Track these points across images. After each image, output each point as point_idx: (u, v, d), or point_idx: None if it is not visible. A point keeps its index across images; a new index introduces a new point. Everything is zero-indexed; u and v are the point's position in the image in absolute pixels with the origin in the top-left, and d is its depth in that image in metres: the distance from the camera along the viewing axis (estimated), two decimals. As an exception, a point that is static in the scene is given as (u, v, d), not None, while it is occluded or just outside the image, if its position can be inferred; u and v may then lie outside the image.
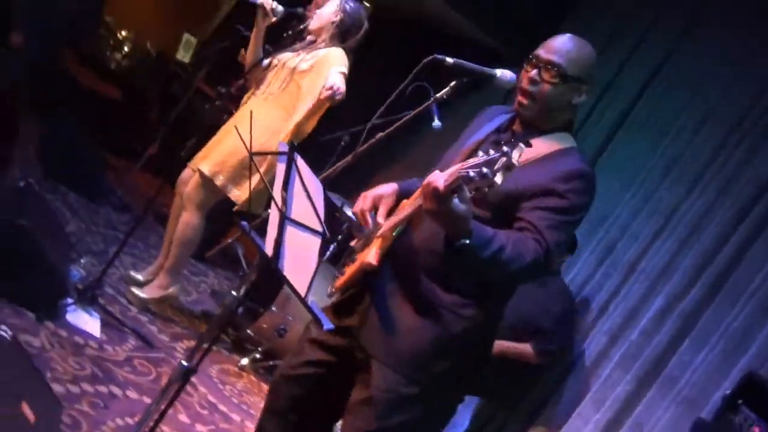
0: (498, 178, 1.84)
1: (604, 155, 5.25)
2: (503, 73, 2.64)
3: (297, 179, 2.10)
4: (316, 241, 2.05)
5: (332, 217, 4.98)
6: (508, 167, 1.84)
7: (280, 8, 4.20)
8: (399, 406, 2.30)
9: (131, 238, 4.13)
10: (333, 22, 4.23)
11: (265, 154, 2.33)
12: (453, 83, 2.67)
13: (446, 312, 2.30)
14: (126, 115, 6.99)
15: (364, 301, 2.42)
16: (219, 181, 4.13)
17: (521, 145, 1.86)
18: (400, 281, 2.36)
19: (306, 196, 2.05)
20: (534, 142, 2.28)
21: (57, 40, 5.51)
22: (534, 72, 2.35)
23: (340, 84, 3.95)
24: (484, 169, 1.84)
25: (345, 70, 4.11)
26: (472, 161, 1.89)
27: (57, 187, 5.08)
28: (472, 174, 1.86)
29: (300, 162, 2.10)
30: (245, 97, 4.38)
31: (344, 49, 4.20)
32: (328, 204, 5.05)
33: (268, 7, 4.17)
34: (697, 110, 4.74)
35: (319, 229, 2.01)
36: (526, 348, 4.27)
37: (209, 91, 5.75)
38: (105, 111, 6.78)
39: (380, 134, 2.78)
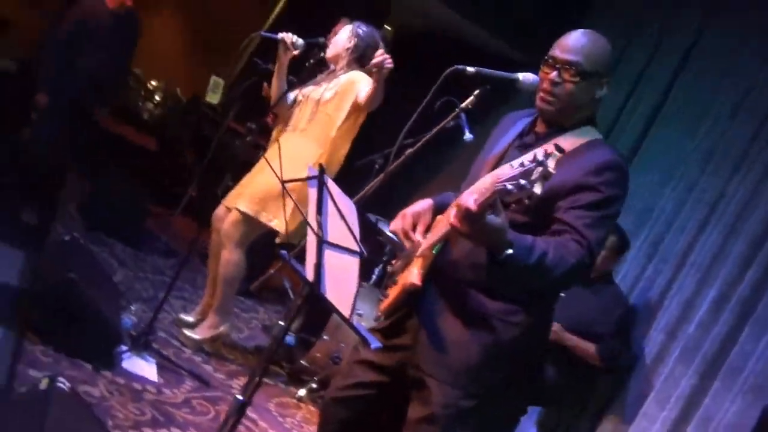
0: (537, 189, 1.83)
1: (640, 150, 5.19)
2: (525, 77, 2.63)
3: (329, 202, 2.12)
4: (354, 261, 2.06)
5: (375, 239, 5.01)
6: (545, 176, 1.84)
7: (300, 41, 4.25)
8: (461, 421, 2.29)
9: (178, 281, 4.20)
10: (348, 49, 4.29)
11: (296, 180, 2.35)
12: (477, 91, 2.68)
13: (495, 320, 2.29)
14: (162, 162, 7.13)
15: (412, 321, 2.42)
16: (263, 217, 4.16)
17: (555, 152, 1.85)
18: (446, 297, 2.35)
19: (340, 217, 2.07)
20: (559, 139, 2.28)
21: (87, 97, 5.62)
22: (554, 73, 2.35)
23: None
24: (522, 181, 1.84)
25: (368, 83, 4.15)
26: (508, 173, 1.88)
27: (102, 238, 5.18)
28: (510, 187, 1.85)
29: (330, 184, 2.12)
30: (275, 134, 4.42)
31: (365, 72, 4.24)
32: (369, 226, 5.08)
33: (288, 41, 4.22)
34: (730, 95, 4.68)
35: (357, 249, 2.02)
36: (589, 347, 4.22)
37: (240, 129, 5.83)
38: (142, 160, 6.94)
39: (409, 150, 2.78)
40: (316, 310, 4.57)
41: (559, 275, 2.13)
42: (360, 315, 4.22)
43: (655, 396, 4.20)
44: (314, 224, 2.15)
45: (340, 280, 2.12)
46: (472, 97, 2.71)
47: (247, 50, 8.33)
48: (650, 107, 5.23)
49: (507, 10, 6.53)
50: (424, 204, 2.55)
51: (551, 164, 1.84)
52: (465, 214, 1.95)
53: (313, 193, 2.17)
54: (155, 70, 9.25)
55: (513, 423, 2.54)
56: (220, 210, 4.42)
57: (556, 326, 4.13)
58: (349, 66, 4.30)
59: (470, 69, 2.62)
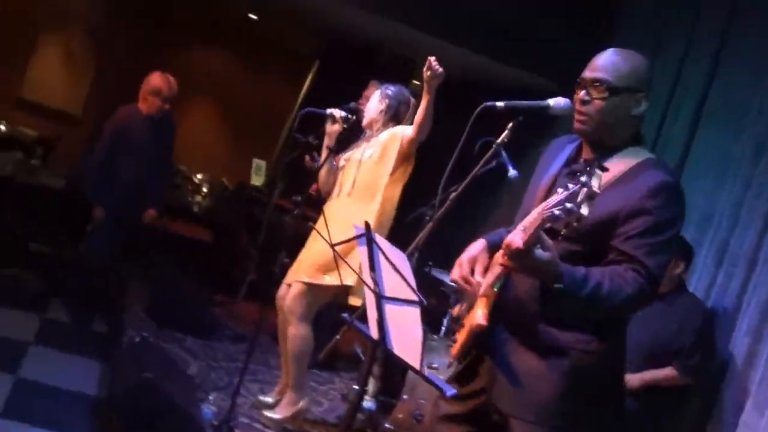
0: (584, 210, 1.83)
1: (688, 158, 5.11)
2: (557, 102, 2.61)
3: (381, 257, 2.12)
4: (415, 312, 2.05)
5: (439, 291, 4.98)
6: (591, 196, 1.83)
7: (346, 115, 4.40)
8: None
9: (252, 364, 4.22)
10: (381, 111, 4.37)
11: (345, 242, 2.36)
12: (510, 124, 2.66)
13: (569, 350, 2.25)
14: (219, 250, 7.24)
15: (485, 363, 2.39)
16: (327, 280, 4.18)
17: (598, 171, 1.85)
18: (516, 333, 2.33)
19: (393, 270, 2.07)
20: (608, 163, 2.26)
21: (134, 206, 5.75)
22: (583, 92, 2.36)
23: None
24: (568, 205, 1.83)
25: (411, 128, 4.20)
26: (553, 200, 1.89)
27: (172, 334, 5.25)
28: (557, 212, 1.85)
29: (378, 239, 2.13)
30: (325, 207, 4.46)
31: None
32: (431, 278, 5.06)
33: (337, 116, 4.37)
34: (768, 87, 4.60)
35: (415, 298, 2.01)
36: (667, 372, 4.13)
37: (287, 205, 5.91)
38: (199, 252, 7.05)
39: (453, 194, 2.78)
40: (391, 371, 4.54)
41: (617, 305, 2.13)
42: (435, 368, 4.17)
43: (753, 402, 4.04)
44: (369, 281, 2.15)
45: (405, 332, 2.11)
46: (506, 131, 2.70)
47: (285, 128, 8.53)
48: (690, 114, 5.16)
49: (533, 45, 6.59)
50: (477, 246, 2.54)
51: (595, 184, 1.83)
52: (513, 252, 1.98)
53: (363, 251, 2.18)
54: (199, 163, 9.49)
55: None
56: (282, 289, 4.46)
57: (627, 377, 4.06)
58: (386, 126, 4.37)
59: (500, 103, 2.61)
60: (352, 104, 4.49)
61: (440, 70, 3.85)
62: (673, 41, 5.48)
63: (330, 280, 4.16)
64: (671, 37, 5.52)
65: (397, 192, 4.32)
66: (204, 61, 10.50)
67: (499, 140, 2.74)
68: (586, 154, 2.42)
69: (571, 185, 1.86)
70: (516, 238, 1.97)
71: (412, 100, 4.41)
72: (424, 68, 3.87)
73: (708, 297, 4.55)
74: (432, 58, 3.86)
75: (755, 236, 4.35)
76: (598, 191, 1.83)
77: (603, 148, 2.36)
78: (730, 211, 4.57)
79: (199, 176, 8.96)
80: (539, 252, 1.97)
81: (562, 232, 2.02)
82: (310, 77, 10.45)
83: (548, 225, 1.93)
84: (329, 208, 4.35)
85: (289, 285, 4.36)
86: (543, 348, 2.27)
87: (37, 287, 5.58)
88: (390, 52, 8.30)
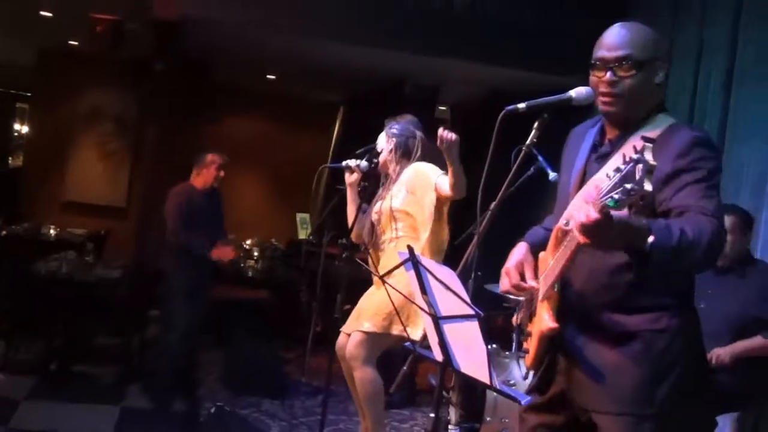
0: (647, 186, 1.75)
1: (728, 123, 5.00)
2: (578, 92, 2.54)
3: (429, 278, 2.09)
4: (474, 325, 2.01)
5: (502, 307, 4.91)
6: (650, 171, 1.75)
7: (363, 163, 4.37)
8: None
9: (332, 415, 4.20)
10: (390, 151, 4.33)
11: (392, 270, 2.34)
12: (536, 124, 2.61)
13: (642, 333, 2.19)
14: (281, 309, 7.28)
15: (560, 365, 2.34)
16: (394, 330, 4.13)
17: (647, 144, 1.79)
18: (585, 328, 2.27)
19: (444, 288, 2.04)
20: (635, 137, 2.22)
21: (208, 276, 5.87)
22: (608, 74, 2.28)
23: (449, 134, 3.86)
24: (627, 185, 1.75)
25: (440, 171, 4.15)
26: (607, 185, 1.81)
27: (248, 400, 5.26)
28: (617, 197, 1.76)
29: (424, 260, 2.11)
30: (370, 258, 4.44)
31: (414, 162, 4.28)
32: (492, 296, 4.99)
33: (353, 165, 4.36)
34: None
35: (471, 312, 1.98)
36: (758, 341, 3.99)
37: (338, 252, 5.93)
38: (263, 314, 7.10)
39: (493, 204, 2.73)
40: (469, 395, 4.47)
41: (704, 251, 1.99)
42: (513, 384, 4.10)
43: None
44: (424, 305, 2.13)
45: (469, 348, 2.07)
46: (533, 132, 2.64)
47: (321, 182, 8.60)
48: (721, 76, 5.07)
49: (549, 45, 6.56)
50: (520, 250, 2.49)
51: (649, 156, 1.76)
52: (592, 226, 1.83)
53: (411, 276, 2.16)
54: (246, 229, 9.59)
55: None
56: (341, 339, 4.40)
57: (718, 352, 3.95)
58: (400, 164, 4.33)
59: (521, 105, 2.54)
60: (372, 146, 4.47)
61: (453, 137, 3.82)
62: (690, 5, 5.41)
63: (396, 329, 4.11)
64: (687, 3, 5.46)
65: (443, 226, 4.27)
66: (234, 130, 10.68)
67: (528, 142, 2.67)
68: (611, 134, 2.36)
69: (619, 166, 1.79)
70: (586, 211, 1.83)
71: (419, 133, 4.39)
72: (437, 142, 3.86)
73: (781, 261, 4.42)
74: (440, 130, 3.84)
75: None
76: (655, 163, 1.76)
77: (628, 124, 2.31)
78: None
79: (248, 242, 9.05)
80: (618, 214, 1.84)
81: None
82: (338, 124, 10.55)
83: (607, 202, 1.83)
84: (381, 263, 4.31)
85: (348, 334, 4.32)
86: (613, 337, 2.21)
87: (110, 379, 5.65)
88: (412, 83, 8.35)
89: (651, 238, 1.91)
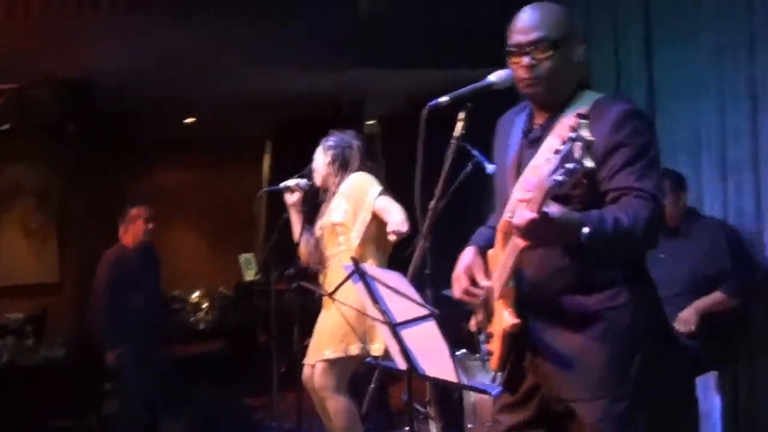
0: (588, 162, 1.81)
1: (655, 85, 5.17)
2: (498, 75, 2.57)
3: (378, 286, 2.13)
4: (432, 326, 2.05)
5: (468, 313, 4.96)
6: (588, 146, 1.81)
7: (303, 181, 4.42)
8: (624, 426, 2.22)
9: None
10: (328, 164, 4.39)
11: (339, 287, 2.37)
12: (460, 115, 2.65)
13: (602, 312, 2.24)
14: (242, 356, 7.24)
15: (527, 360, 2.38)
16: (353, 351, 4.16)
17: (582, 121, 1.84)
18: (546, 319, 2.31)
19: (395, 293, 2.07)
20: (564, 118, 2.27)
21: (146, 337, 5.80)
22: (526, 59, 2.33)
23: (399, 220, 3.99)
24: (569, 165, 1.81)
25: (378, 186, 4.20)
26: (547, 168, 1.86)
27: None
28: (560, 178, 1.82)
29: (369, 269, 2.14)
30: (321, 278, 4.46)
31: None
32: (454, 304, 5.04)
33: (292, 184, 4.41)
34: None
35: (426, 311, 2.02)
36: (716, 297, 4.13)
37: (287, 285, 5.93)
38: (222, 365, 7.05)
39: (432, 203, 2.76)
40: (447, 406, 4.50)
41: (642, 234, 2.09)
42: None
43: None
44: (378, 315, 2.16)
45: (430, 350, 2.11)
46: (460, 123, 2.68)
47: (261, 213, 8.59)
48: (640, 45, 5.23)
49: (467, 41, 6.66)
50: (467, 254, 2.52)
51: (586, 133, 1.82)
52: (529, 226, 1.92)
53: (360, 287, 2.19)
54: (190, 282, 9.51)
55: (689, 403, 2.44)
56: (306, 372, 4.41)
57: (683, 316, 4.08)
58: (338, 176, 4.38)
59: (443, 99, 2.58)
60: (308, 168, 4.51)
61: (405, 230, 3.94)
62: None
63: (355, 349, 4.15)
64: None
65: (383, 234, 4.31)
66: (161, 181, 10.60)
67: (456, 135, 2.70)
68: (539, 118, 2.41)
69: (556, 147, 1.85)
70: (524, 213, 1.91)
71: (355, 142, 4.44)
72: (388, 237, 3.97)
73: (728, 214, 4.55)
74: (390, 233, 3.96)
75: (749, 138, 4.38)
76: (592, 138, 1.82)
77: (554, 106, 2.37)
78: (715, 122, 4.60)
79: (195, 295, 9.00)
80: (552, 210, 1.92)
81: (574, 199, 2.00)
82: (267, 158, 10.55)
83: (553, 195, 1.89)
84: (329, 282, 4.33)
85: (313, 365, 4.33)
86: (576, 321, 2.26)
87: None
88: (336, 102, 8.41)
89: (585, 230, 1.99)
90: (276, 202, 4.60)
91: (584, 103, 2.31)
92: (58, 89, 6.91)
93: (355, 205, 4.23)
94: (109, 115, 8.34)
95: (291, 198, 4.44)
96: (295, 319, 4.47)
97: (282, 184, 4.44)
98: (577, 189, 1.90)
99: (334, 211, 4.31)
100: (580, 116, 1.85)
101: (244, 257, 7.58)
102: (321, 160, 4.43)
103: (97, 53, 6.42)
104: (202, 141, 10.61)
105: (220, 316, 8.15)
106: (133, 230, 5.78)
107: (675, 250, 4.15)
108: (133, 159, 10.19)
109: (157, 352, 5.92)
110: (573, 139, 1.80)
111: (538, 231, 1.93)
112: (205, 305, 8.40)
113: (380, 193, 4.20)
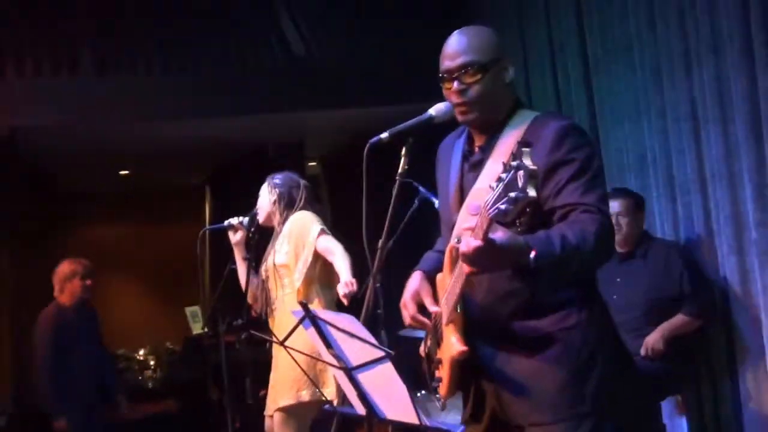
0: (531, 192, 1.81)
1: (596, 107, 5.29)
2: (438, 109, 2.59)
3: (330, 330, 2.11)
4: (389, 367, 2.04)
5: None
6: (532, 175, 1.82)
7: (245, 219, 4.38)
8: None
9: None
10: (274, 202, 4.37)
11: (290, 333, 2.34)
12: (403, 150, 2.66)
13: (556, 333, 2.26)
14: (192, 414, 7.11)
15: (485, 387, 2.38)
16: (305, 397, 4.13)
17: (523, 149, 1.85)
18: (498, 343, 2.32)
19: (348, 336, 2.06)
20: (503, 137, 2.32)
21: (95, 398, 5.69)
22: (456, 84, 2.37)
23: (348, 279, 4.02)
24: (512, 194, 1.82)
25: (319, 225, 4.20)
26: (491, 196, 1.87)
27: None
28: (503, 207, 1.82)
29: (320, 312, 2.13)
30: (270, 322, 4.42)
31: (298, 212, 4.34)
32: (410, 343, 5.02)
33: (236, 223, 4.37)
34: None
35: (381, 354, 2.01)
36: (679, 318, 4.19)
37: (236, 336, 5.88)
38: (173, 426, 6.92)
39: (381, 242, 2.75)
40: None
41: (592, 249, 2.11)
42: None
43: (766, 313, 4.08)
44: (331, 360, 2.14)
45: (389, 393, 2.10)
46: (402, 159, 2.69)
47: (205, 255, 8.53)
48: (578, 66, 5.37)
49: (401, 74, 6.73)
50: (414, 280, 2.54)
51: (528, 162, 1.82)
52: (474, 254, 1.94)
53: (312, 333, 2.17)
54: (135, 339, 9.37)
55: (655, 427, 2.45)
56: (267, 423, 4.37)
57: (649, 342, 4.14)
58: (283, 215, 4.37)
59: (383, 135, 2.58)
60: (254, 211, 4.48)
61: (355, 289, 3.99)
62: (535, 5, 5.76)
63: (306, 395, 4.12)
64: (532, 3, 5.77)
65: (333, 274, 4.30)
66: (97, 236, 10.47)
67: (399, 170, 2.71)
68: (479, 140, 2.45)
69: (500, 175, 1.86)
70: (469, 241, 1.94)
71: (302, 182, 4.45)
72: (341, 298, 4.00)
73: (679, 234, 4.63)
74: (342, 297, 3.99)
75: (693, 158, 4.45)
76: (534, 167, 1.83)
77: (491, 127, 2.40)
78: (659, 142, 4.69)
79: (141, 352, 8.86)
80: (497, 236, 1.95)
81: (518, 225, 2.02)
82: (207, 205, 10.49)
83: (497, 221, 1.90)
84: (277, 324, 4.30)
85: (272, 416, 4.29)
86: (528, 344, 2.27)
87: None
88: (273, 144, 8.41)
89: (533, 254, 2.00)
90: (220, 250, 4.55)
91: (522, 122, 2.36)
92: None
93: (296, 245, 4.23)
94: (38, 172, 8.24)
95: (234, 237, 4.40)
96: (248, 371, 4.42)
97: (226, 222, 4.41)
98: (522, 217, 1.91)
99: (278, 253, 4.30)
100: (522, 144, 1.86)
101: (190, 310, 7.48)
102: (266, 197, 4.42)
103: (21, 111, 6.36)
104: (139, 193, 10.53)
105: (168, 373, 8.02)
106: (70, 288, 5.64)
107: (631, 274, 4.22)
108: (67, 215, 10.04)
109: (102, 416, 5.76)
110: (516, 168, 1.82)
111: (484, 258, 1.96)
112: (152, 362, 8.25)
113: (320, 232, 4.20)
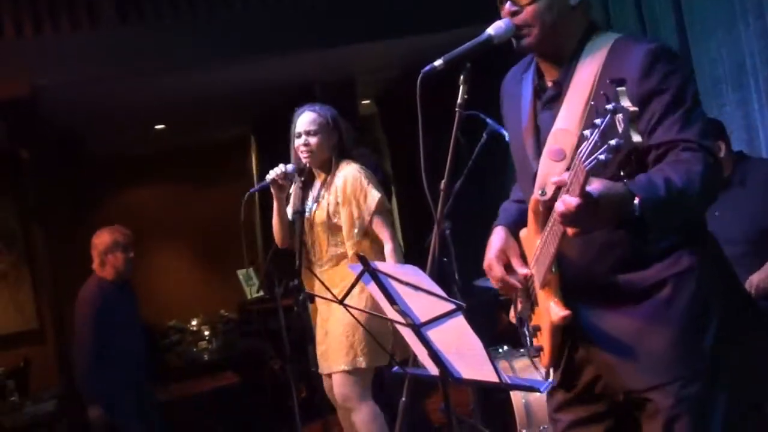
0: (635, 137, 1.77)
1: (685, 18, 5.14)
2: (497, 27, 2.52)
3: (393, 284, 2.12)
4: (459, 320, 2.04)
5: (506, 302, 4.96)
6: (632, 118, 1.77)
7: (290, 167, 4.33)
8: (702, 408, 2.18)
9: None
10: (322, 138, 4.33)
11: (350, 290, 2.36)
12: (461, 78, 2.63)
13: (667, 280, 2.20)
14: (257, 386, 7.26)
15: (581, 353, 2.36)
16: (362, 363, 4.21)
17: (618, 89, 1.81)
18: (599, 304, 2.27)
19: (414, 289, 2.06)
20: (580, 66, 2.27)
21: (140, 381, 5.82)
22: (507, 5, 2.33)
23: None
24: (612, 142, 1.77)
25: (376, 193, 4.26)
26: (583, 147, 1.83)
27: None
28: (603, 158, 1.78)
29: (381, 266, 2.13)
30: (303, 268, 4.43)
31: (351, 159, 4.35)
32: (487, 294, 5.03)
33: (279, 178, 4.30)
34: None
35: (452, 306, 2.01)
36: None
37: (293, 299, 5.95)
38: (235, 400, 7.07)
39: (443, 182, 2.74)
40: (495, 413, 4.50)
41: (699, 192, 2.07)
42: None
43: None
44: (398, 317, 2.15)
45: (463, 349, 2.10)
46: (461, 88, 2.65)
47: (256, 219, 8.61)
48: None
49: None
50: (497, 236, 2.52)
51: (626, 102, 1.78)
52: (575, 213, 1.90)
53: (373, 288, 2.18)
54: (187, 309, 9.56)
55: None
56: (326, 383, 4.47)
57: (754, 280, 4.05)
58: (334, 158, 4.36)
59: (437, 63, 2.54)
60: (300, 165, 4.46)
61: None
62: None
63: (362, 361, 4.22)
64: None
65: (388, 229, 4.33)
66: (138, 201, 10.64)
67: (459, 101, 2.68)
68: (550, 74, 2.39)
69: (598, 120, 1.82)
70: (567, 199, 1.89)
71: (345, 124, 4.44)
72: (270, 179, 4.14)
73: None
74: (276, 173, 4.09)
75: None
76: (635, 108, 1.78)
77: (562, 57, 2.34)
78: (759, 47, 4.57)
79: (193, 323, 9.03)
80: (594, 188, 1.90)
81: (622, 176, 1.97)
82: (253, 157, 10.56)
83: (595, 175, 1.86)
84: (328, 283, 4.30)
85: (329, 375, 4.37)
86: (633, 299, 2.22)
87: None
88: (321, 84, 8.40)
89: (636, 201, 1.96)
90: (269, 204, 4.56)
91: (599, 49, 2.28)
92: (3, 112, 6.89)
93: (350, 211, 4.26)
94: (67, 135, 8.36)
95: (279, 191, 4.38)
96: (309, 336, 4.48)
97: (267, 178, 4.33)
98: (626, 167, 1.86)
99: (331, 206, 4.31)
100: (614, 81, 1.81)
101: (243, 273, 7.59)
102: (321, 134, 4.33)
103: (41, 69, 6.44)
104: (178, 149, 10.64)
105: (226, 344, 8.17)
106: (112, 261, 5.65)
107: (730, 203, 4.10)
108: (104, 179, 10.20)
109: (154, 396, 5.89)
110: (612, 111, 1.77)
111: (584, 216, 1.91)
112: (207, 333, 8.42)
113: (377, 207, 4.24)
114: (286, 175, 4.31)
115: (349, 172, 4.31)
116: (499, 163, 4.93)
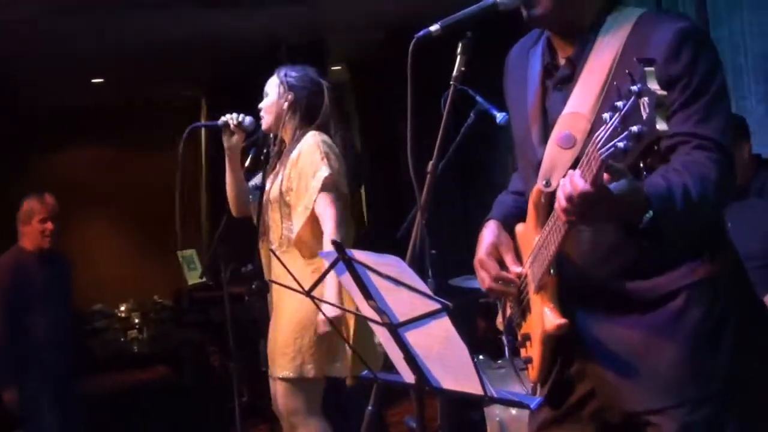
0: (661, 125, 1.74)
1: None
2: None
3: (371, 276, 2.10)
4: (445, 323, 2.03)
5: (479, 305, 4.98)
6: (660, 102, 1.75)
7: (248, 119, 4.32)
8: None
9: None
10: (287, 109, 4.28)
11: (317, 282, 2.33)
12: (459, 48, 2.62)
13: (680, 291, 2.20)
14: (190, 383, 7.24)
15: (576, 367, 2.37)
16: (310, 372, 4.17)
17: (646, 69, 1.79)
18: (601, 312, 2.28)
19: (394, 283, 2.05)
20: (599, 44, 2.26)
21: (58, 366, 5.79)
22: None
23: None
24: (634, 129, 1.75)
25: (326, 169, 4.13)
26: (601, 132, 1.82)
27: None
28: (622, 145, 1.75)
29: (359, 255, 2.11)
30: (262, 251, 4.40)
31: (318, 130, 4.26)
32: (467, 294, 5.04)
33: (232, 124, 4.29)
34: None
35: (437, 305, 2.00)
36: None
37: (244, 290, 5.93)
38: (166, 397, 7.06)
39: (430, 164, 2.73)
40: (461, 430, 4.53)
41: (713, 199, 2.09)
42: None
43: None
44: (372, 314, 2.14)
45: (445, 355, 2.09)
46: (458, 59, 2.64)
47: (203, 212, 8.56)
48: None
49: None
50: (490, 231, 2.52)
51: (654, 85, 1.76)
52: (579, 200, 1.90)
53: (346, 279, 2.16)
54: (115, 292, 9.49)
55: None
56: (272, 387, 4.40)
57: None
58: (299, 128, 4.29)
59: (433, 28, 2.51)
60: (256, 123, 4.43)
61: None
62: None
63: (311, 369, 4.15)
64: None
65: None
66: (69, 164, 10.55)
67: (454, 74, 2.67)
68: (563, 50, 2.38)
69: (620, 103, 1.80)
70: (575, 180, 1.89)
71: (324, 83, 4.36)
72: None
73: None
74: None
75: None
76: (664, 92, 1.75)
77: (577, 32, 2.34)
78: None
79: (122, 308, 8.99)
80: (616, 184, 1.89)
81: (643, 169, 1.96)
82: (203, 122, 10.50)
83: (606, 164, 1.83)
84: (273, 266, 4.27)
85: (275, 379, 4.33)
86: (641, 309, 2.23)
87: None
88: (287, 45, 8.38)
89: (650, 214, 1.97)
90: (223, 178, 4.53)
91: (621, 25, 2.27)
92: None
93: (299, 184, 4.18)
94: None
95: (230, 140, 4.35)
96: (261, 331, 4.44)
97: (221, 120, 4.33)
98: (648, 157, 1.84)
99: (284, 182, 4.24)
100: (643, 61, 1.78)
101: (185, 255, 7.52)
102: (274, 97, 4.31)
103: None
104: (117, 107, 10.53)
105: (158, 334, 8.14)
106: (29, 232, 5.65)
107: (745, 214, 4.14)
108: (32, 138, 10.09)
109: (77, 387, 5.84)
110: (638, 93, 1.76)
111: (588, 207, 1.91)
112: (137, 320, 8.39)
113: (323, 186, 4.11)
114: (240, 125, 4.30)
115: (305, 143, 4.23)
116: (486, 148, 4.94)
